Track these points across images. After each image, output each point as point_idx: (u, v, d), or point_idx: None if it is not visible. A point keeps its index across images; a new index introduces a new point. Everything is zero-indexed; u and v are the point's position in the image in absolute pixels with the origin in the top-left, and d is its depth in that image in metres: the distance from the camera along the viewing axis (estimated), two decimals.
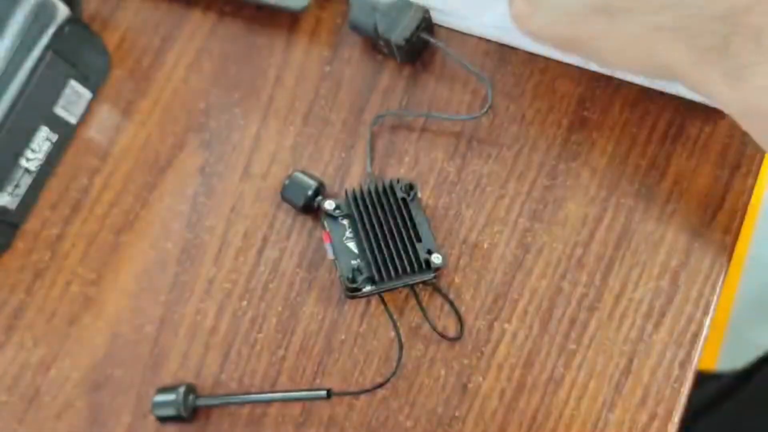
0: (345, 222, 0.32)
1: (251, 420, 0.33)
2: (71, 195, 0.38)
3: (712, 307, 0.30)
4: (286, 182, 0.34)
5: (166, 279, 0.36)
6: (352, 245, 0.32)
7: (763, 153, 0.32)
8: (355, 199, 0.32)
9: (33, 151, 0.37)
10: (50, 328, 0.36)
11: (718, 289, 0.31)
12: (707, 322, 0.31)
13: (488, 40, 0.36)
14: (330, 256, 0.32)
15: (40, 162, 0.37)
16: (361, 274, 0.31)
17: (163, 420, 0.32)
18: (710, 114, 0.32)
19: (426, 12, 0.35)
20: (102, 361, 0.35)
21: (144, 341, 0.35)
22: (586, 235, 0.32)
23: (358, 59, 0.37)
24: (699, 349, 0.30)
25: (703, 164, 0.32)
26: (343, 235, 0.32)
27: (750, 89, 0.26)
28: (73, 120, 0.38)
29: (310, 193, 0.34)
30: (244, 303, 0.35)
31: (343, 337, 0.33)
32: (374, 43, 0.36)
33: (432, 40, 0.35)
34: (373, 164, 0.35)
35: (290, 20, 0.38)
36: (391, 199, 0.32)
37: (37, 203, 0.38)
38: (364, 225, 0.31)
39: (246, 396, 0.32)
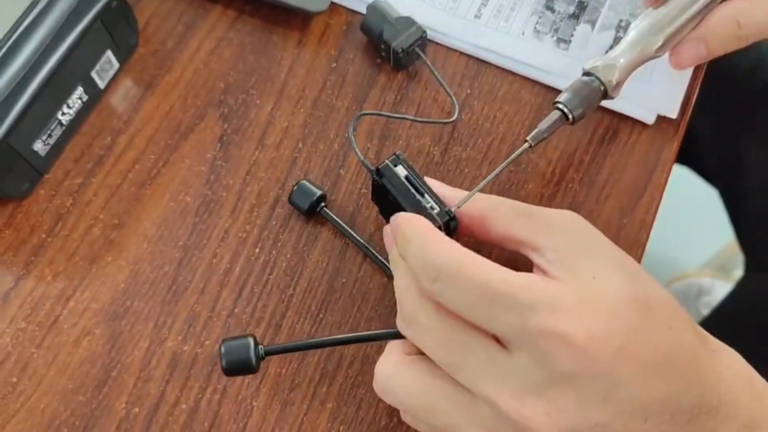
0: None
1: None
2: (95, 151, 0.42)
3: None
4: (294, 188, 0.40)
5: (185, 227, 0.41)
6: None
7: (674, 156, 0.42)
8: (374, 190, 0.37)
9: (68, 106, 0.41)
10: (71, 265, 0.40)
11: (640, 255, 0.40)
12: None
13: (470, 56, 0.44)
14: (421, 191, 0.34)
15: (71, 118, 0.42)
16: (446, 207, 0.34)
17: (231, 371, 0.34)
18: (637, 125, 0.42)
19: (424, 32, 0.43)
20: (122, 294, 0.39)
21: (163, 279, 0.39)
22: None
23: (360, 60, 0.45)
24: None
25: (631, 162, 0.42)
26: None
27: None
28: (102, 85, 0.43)
29: (314, 199, 0.40)
30: (257, 250, 0.40)
31: (344, 280, 0.39)
32: (376, 46, 0.44)
33: (423, 56, 0.43)
34: (367, 147, 0.42)
35: (302, 23, 0.46)
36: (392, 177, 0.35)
37: (61, 155, 0.42)
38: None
39: (309, 342, 0.36)
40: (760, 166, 0.66)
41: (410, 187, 0.34)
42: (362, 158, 0.36)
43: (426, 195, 0.34)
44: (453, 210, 0.34)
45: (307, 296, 0.39)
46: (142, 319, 0.39)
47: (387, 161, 0.35)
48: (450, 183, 0.41)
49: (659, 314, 0.28)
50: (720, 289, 1.07)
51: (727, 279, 1.09)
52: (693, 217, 1.02)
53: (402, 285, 0.31)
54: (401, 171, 0.35)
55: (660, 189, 0.41)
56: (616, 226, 0.41)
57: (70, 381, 0.37)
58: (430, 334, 0.29)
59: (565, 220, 0.31)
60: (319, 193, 0.40)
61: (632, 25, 0.39)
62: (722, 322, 0.72)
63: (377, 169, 0.35)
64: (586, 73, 0.38)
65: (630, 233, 0.40)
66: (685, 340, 0.29)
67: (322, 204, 0.40)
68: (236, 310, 0.39)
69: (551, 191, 0.41)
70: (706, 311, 1.05)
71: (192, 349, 0.38)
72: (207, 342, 0.38)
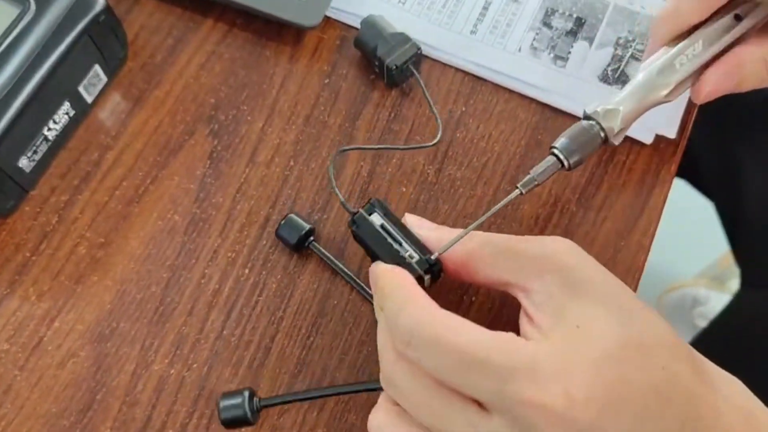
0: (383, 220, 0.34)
1: (247, 373, 0.37)
2: (81, 167, 0.42)
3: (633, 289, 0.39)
4: (282, 222, 0.39)
5: (174, 247, 0.40)
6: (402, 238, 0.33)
7: (672, 177, 0.41)
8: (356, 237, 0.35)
9: (54, 122, 0.40)
10: (56, 284, 0.39)
11: (637, 278, 0.39)
12: None
13: (465, 72, 0.44)
14: (398, 239, 0.33)
15: (57, 133, 0.41)
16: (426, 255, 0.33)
17: (229, 424, 0.34)
18: (635, 145, 0.42)
19: (418, 49, 0.42)
20: (108, 315, 0.38)
21: (150, 299, 0.39)
22: (537, 231, 0.40)
23: (353, 76, 0.44)
24: None
25: (628, 183, 0.41)
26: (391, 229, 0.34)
27: None
28: (89, 99, 0.42)
29: (303, 233, 0.38)
30: (246, 270, 0.39)
31: (335, 302, 0.39)
32: (370, 62, 0.43)
33: (417, 74, 0.42)
34: (360, 166, 0.41)
35: (295, 37, 0.45)
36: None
37: (47, 172, 0.41)
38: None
39: (308, 392, 0.36)
40: (758, 181, 0.65)
41: (386, 236, 0.33)
42: (342, 200, 0.35)
43: (404, 243, 0.33)
44: (433, 257, 0.32)
45: (297, 318, 0.38)
46: (129, 341, 0.38)
47: (361, 210, 0.34)
48: (444, 203, 0.40)
49: (653, 353, 0.28)
50: (715, 300, 1.06)
51: (722, 289, 1.09)
52: (689, 227, 1.01)
53: (381, 341, 0.30)
54: (376, 219, 0.33)
55: (658, 211, 0.40)
56: (612, 248, 0.40)
57: (54, 404, 0.37)
58: (408, 396, 0.29)
59: (555, 254, 0.30)
60: (307, 227, 0.38)
61: (641, 67, 0.37)
62: (718, 338, 0.72)
63: (352, 219, 0.34)
64: (587, 117, 0.36)
65: (627, 256, 0.39)
66: (681, 378, 0.28)
67: (311, 238, 0.39)
68: (225, 332, 0.38)
69: (547, 212, 0.41)
70: (700, 321, 1.05)
71: (179, 373, 0.37)
72: (194, 365, 0.37)
